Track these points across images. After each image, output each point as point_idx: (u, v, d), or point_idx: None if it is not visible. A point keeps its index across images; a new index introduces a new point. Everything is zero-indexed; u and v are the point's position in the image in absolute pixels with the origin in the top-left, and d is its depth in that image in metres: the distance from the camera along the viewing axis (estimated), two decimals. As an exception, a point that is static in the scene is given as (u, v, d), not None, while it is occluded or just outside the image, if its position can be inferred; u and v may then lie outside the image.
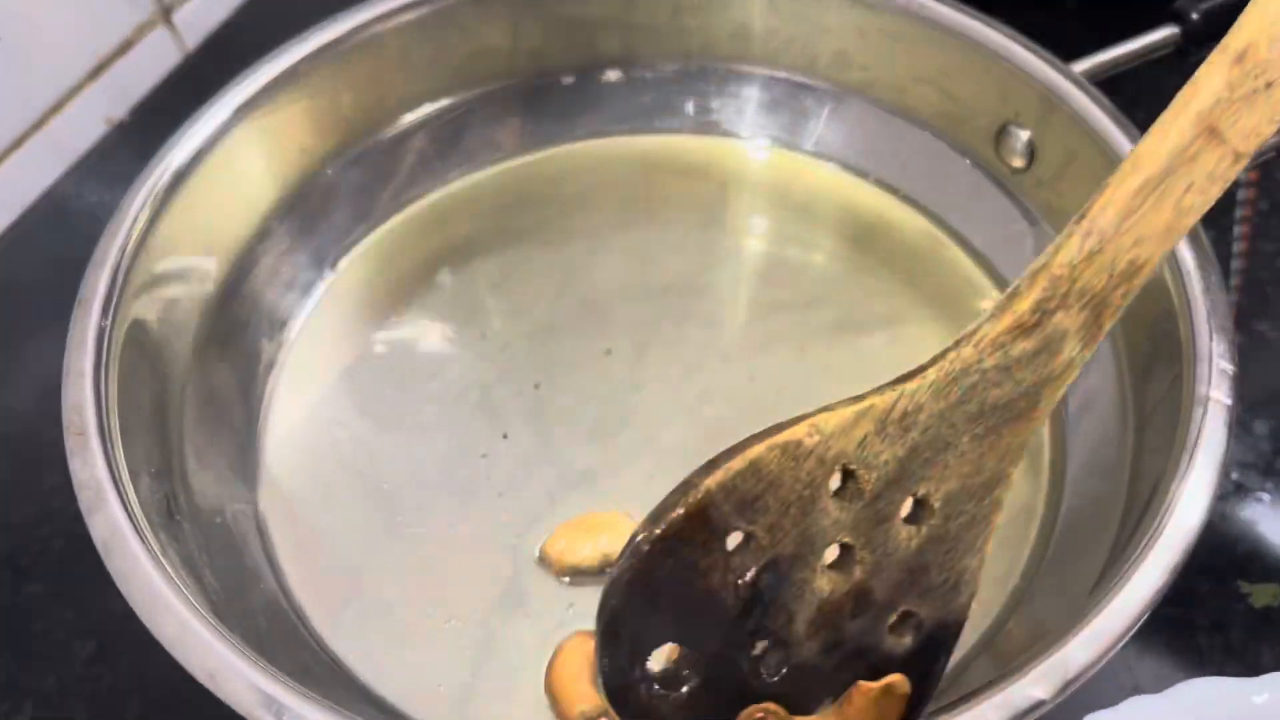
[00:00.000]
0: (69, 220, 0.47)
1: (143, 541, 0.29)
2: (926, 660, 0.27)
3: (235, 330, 0.39)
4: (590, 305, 0.41)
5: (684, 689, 0.26)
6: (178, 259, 0.37)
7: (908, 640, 0.27)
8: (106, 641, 0.36)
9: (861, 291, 0.42)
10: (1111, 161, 0.36)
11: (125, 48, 0.50)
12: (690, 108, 0.46)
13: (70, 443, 0.30)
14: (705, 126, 0.46)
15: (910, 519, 0.26)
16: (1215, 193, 0.25)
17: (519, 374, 0.40)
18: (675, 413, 0.38)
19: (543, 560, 0.35)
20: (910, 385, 0.26)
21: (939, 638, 0.27)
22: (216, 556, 0.33)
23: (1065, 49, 0.39)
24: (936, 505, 0.26)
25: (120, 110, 0.51)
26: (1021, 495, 0.36)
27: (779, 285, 0.42)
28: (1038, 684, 0.26)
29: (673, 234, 0.44)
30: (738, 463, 0.25)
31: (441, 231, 0.44)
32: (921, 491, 0.26)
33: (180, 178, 0.36)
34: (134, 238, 0.35)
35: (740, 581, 0.25)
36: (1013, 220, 0.41)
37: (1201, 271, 0.33)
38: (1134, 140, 0.36)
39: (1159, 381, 0.34)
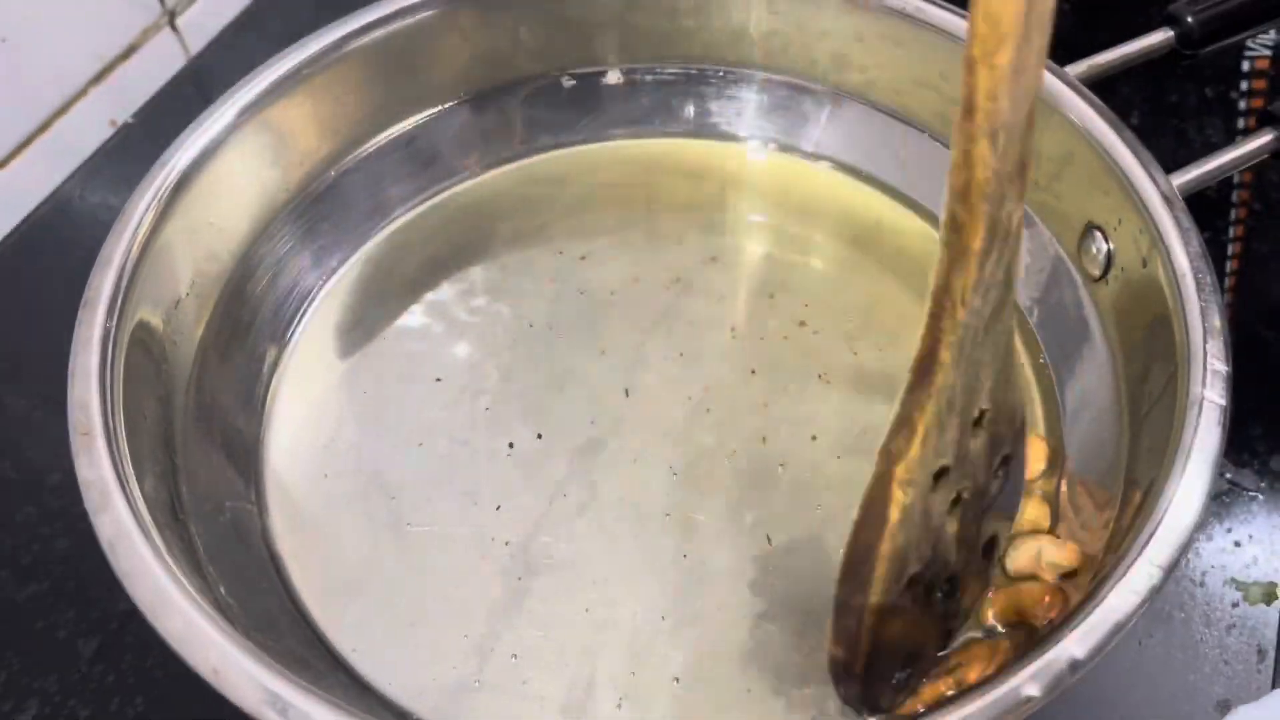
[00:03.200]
0: (74, 222, 0.48)
1: (148, 541, 0.29)
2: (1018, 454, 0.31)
3: (239, 331, 0.39)
4: (590, 307, 0.42)
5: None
6: (182, 261, 0.37)
7: (1005, 471, 0.30)
8: (109, 640, 0.36)
9: (860, 293, 0.42)
10: (1106, 163, 0.36)
11: (130, 51, 0.50)
12: (690, 110, 0.46)
13: (76, 442, 0.30)
14: (705, 129, 0.46)
15: (976, 430, 0.28)
16: None
17: (519, 375, 0.40)
18: (675, 413, 0.38)
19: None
20: (938, 381, 0.26)
21: (1018, 440, 0.30)
22: (220, 556, 0.33)
23: (1061, 52, 0.39)
24: (988, 404, 0.28)
25: (125, 113, 0.51)
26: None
27: (778, 287, 0.42)
28: (1032, 681, 0.26)
29: (672, 235, 0.44)
30: (880, 568, 0.26)
31: (443, 234, 0.44)
32: (977, 413, 0.28)
33: (185, 180, 0.37)
34: (139, 240, 0.35)
35: (916, 595, 0.28)
36: (1010, 222, 0.42)
37: (1196, 273, 0.33)
38: (1128, 142, 0.36)
39: (1154, 382, 0.34)
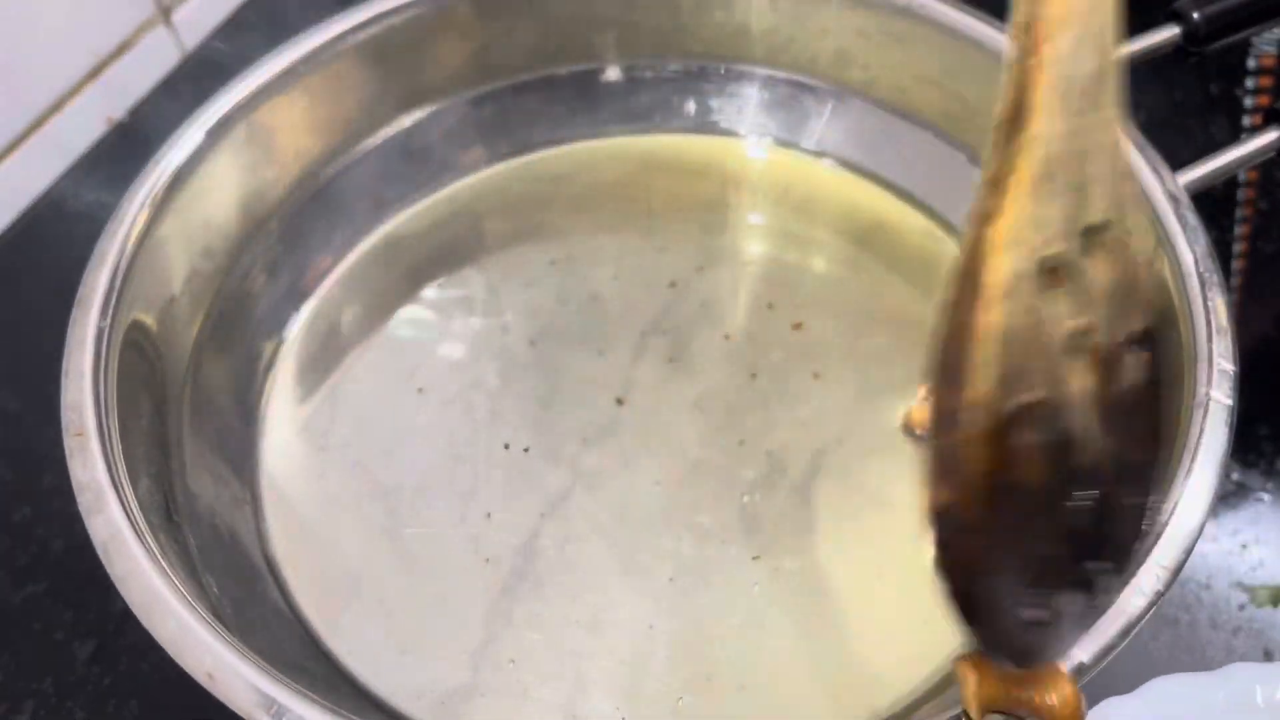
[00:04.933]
0: (68, 220, 0.47)
1: (142, 543, 0.28)
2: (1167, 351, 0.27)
3: (234, 330, 0.39)
4: (590, 305, 0.41)
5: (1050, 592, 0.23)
6: (176, 260, 0.37)
7: (1147, 357, 0.24)
8: (105, 642, 0.36)
9: (862, 291, 0.42)
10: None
11: (124, 48, 0.50)
12: (691, 107, 0.46)
13: (69, 444, 0.30)
14: (705, 126, 0.46)
15: (1092, 249, 0.23)
16: None
17: (518, 374, 0.40)
18: (675, 414, 0.38)
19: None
20: (1032, 128, 0.22)
21: (1164, 329, 0.27)
22: (215, 557, 0.33)
23: (1066, 49, 0.39)
24: (1108, 215, 0.23)
25: (119, 110, 0.50)
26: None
27: (779, 284, 0.42)
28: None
29: (673, 234, 0.43)
30: (984, 350, 0.21)
31: (441, 232, 0.44)
32: (1092, 217, 0.23)
33: (179, 178, 0.36)
34: (133, 238, 0.34)
35: (1033, 454, 0.22)
36: (1013, 220, 0.41)
37: (1202, 271, 0.33)
38: (1134, 141, 0.36)
39: (1160, 382, 0.34)
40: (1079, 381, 0.23)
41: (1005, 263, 0.22)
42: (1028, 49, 0.22)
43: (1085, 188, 0.23)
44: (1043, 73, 0.22)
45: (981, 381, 0.22)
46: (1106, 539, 0.24)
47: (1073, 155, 0.23)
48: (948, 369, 0.22)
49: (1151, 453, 0.25)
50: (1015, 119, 0.23)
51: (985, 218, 0.22)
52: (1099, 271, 0.24)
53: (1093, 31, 0.23)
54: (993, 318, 0.22)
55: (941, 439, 0.22)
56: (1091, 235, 0.23)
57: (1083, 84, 0.23)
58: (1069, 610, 0.24)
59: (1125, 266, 0.24)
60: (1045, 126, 0.23)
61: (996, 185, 0.22)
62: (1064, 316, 0.23)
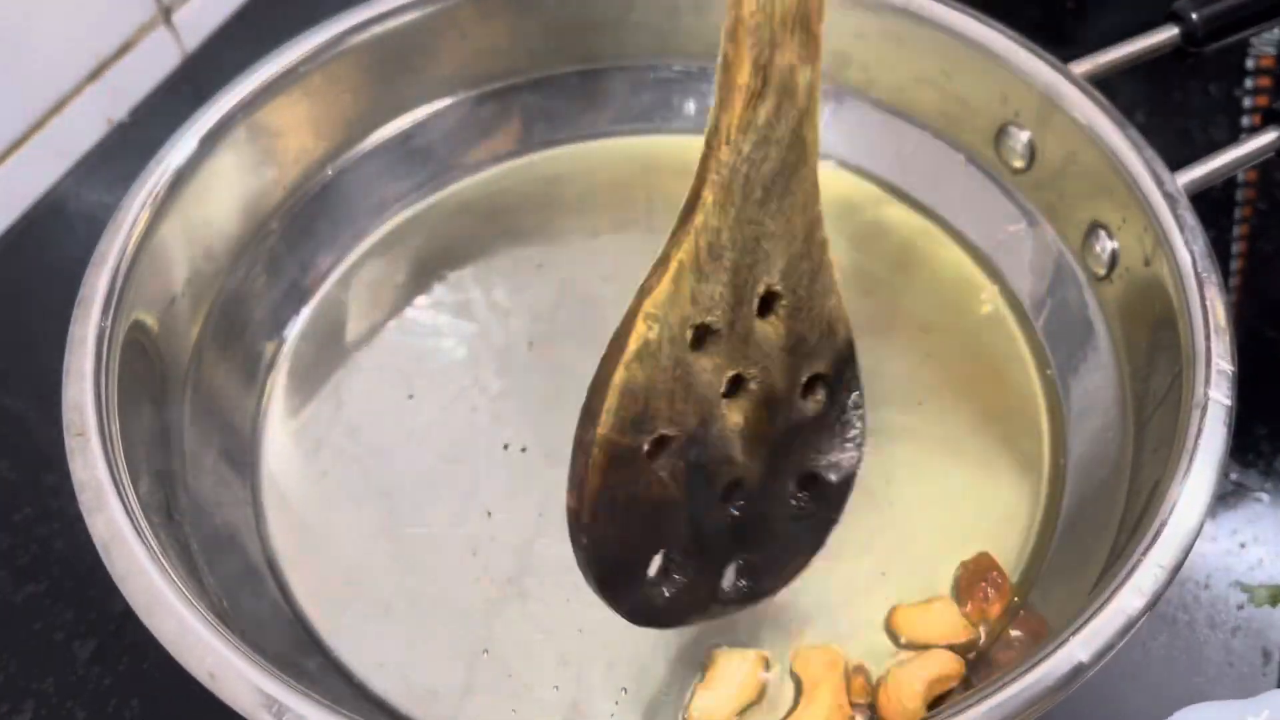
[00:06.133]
0: (69, 221, 0.47)
1: (143, 542, 0.29)
2: (844, 388, 0.31)
3: (235, 331, 0.39)
4: (590, 306, 0.41)
5: (680, 575, 0.28)
6: (177, 260, 0.37)
7: (822, 395, 0.30)
8: (106, 642, 0.36)
9: (860, 290, 0.42)
10: (1110, 161, 0.36)
11: (125, 48, 0.50)
12: (690, 107, 0.46)
13: (70, 443, 0.30)
14: (705, 126, 0.46)
15: (765, 312, 0.28)
16: None
17: (518, 374, 0.40)
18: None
19: None
20: (698, 220, 0.26)
21: (843, 370, 0.30)
22: (216, 557, 0.33)
23: (1065, 50, 0.39)
24: (779, 287, 0.27)
25: (120, 111, 0.50)
26: (1022, 496, 0.36)
27: (779, 285, 0.42)
28: (1037, 684, 0.26)
29: (672, 234, 0.43)
30: (611, 399, 0.25)
31: (441, 233, 0.44)
32: (762, 288, 0.27)
33: (180, 178, 0.36)
34: (134, 238, 0.35)
35: (675, 472, 0.27)
36: (1012, 220, 0.41)
37: (1200, 271, 0.33)
38: (1132, 140, 0.36)
39: (1158, 381, 0.34)
40: (735, 415, 0.28)
41: (644, 332, 0.26)
42: (710, 149, 0.25)
43: (754, 267, 0.27)
44: (713, 171, 0.25)
45: (608, 425, 0.26)
46: (752, 540, 0.30)
47: (743, 240, 0.26)
48: (588, 409, 0.26)
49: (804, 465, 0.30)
50: (688, 209, 0.26)
51: (643, 292, 0.26)
52: (768, 331, 0.28)
53: (778, 134, 0.26)
54: (629, 377, 0.26)
55: (574, 462, 0.26)
56: (766, 303, 0.27)
57: (763, 180, 0.26)
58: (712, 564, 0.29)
59: (804, 325, 0.28)
60: (711, 219, 0.26)
61: (660, 265, 0.26)
62: (720, 368, 0.27)
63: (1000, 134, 0.41)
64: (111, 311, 0.33)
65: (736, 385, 0.28)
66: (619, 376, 0.25)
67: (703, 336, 0.27)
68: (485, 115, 0.45)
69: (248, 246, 0.40)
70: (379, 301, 0.42)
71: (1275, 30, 0.51)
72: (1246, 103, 0.50)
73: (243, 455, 0.37)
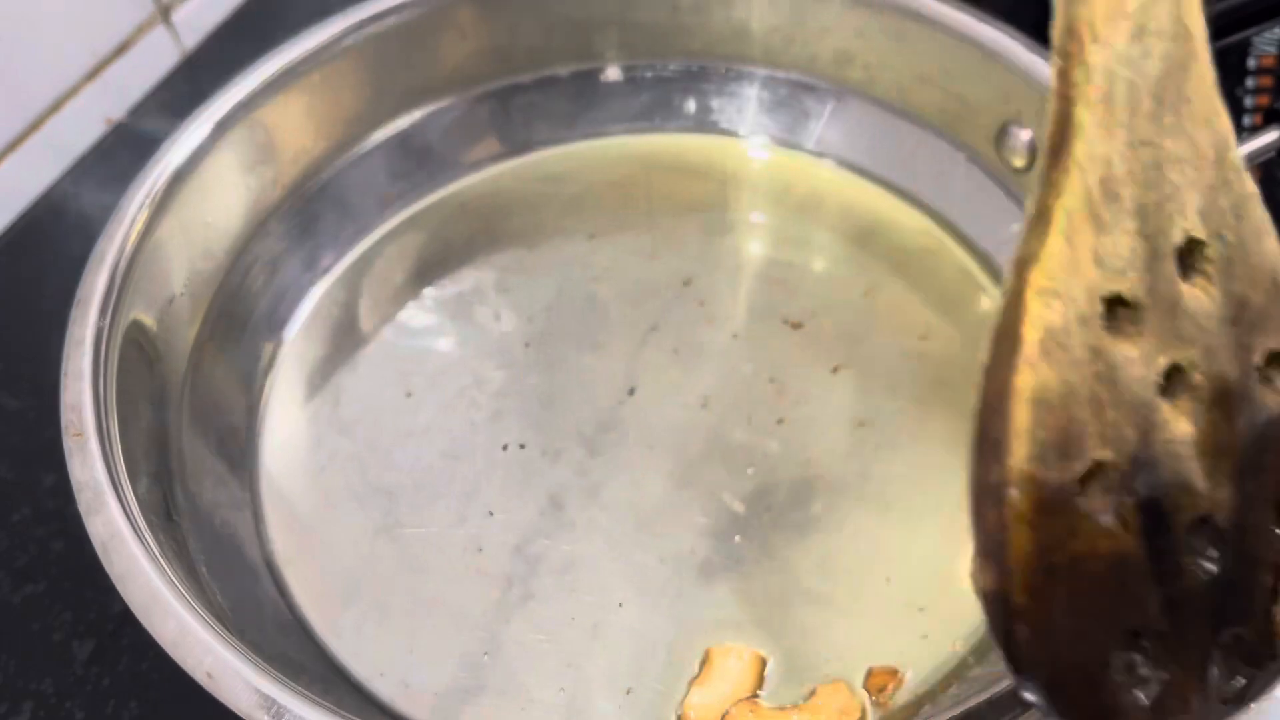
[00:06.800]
0: (67, 220, 0.47)
1: (141, 543, 0.29)
2: None
3: (233, 330, 0.39)
4: (589, 306, 0.41)
5: (1158, 668, 0.20)
6: (176, 259, 0.37)
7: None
8: (105, 642, 0.36)
9: (861, 290, 0.42)
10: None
11: (124, 48, 0.50)
12: (691, 107, 0.46)
13: (69, 443, 0.30)
14: (705, 125, 0.46)
15: (1188, 272, 0.21)
16: None
17: (517, 374, 0.40)
18: (675, 414, 0.38)
19: None
20: (1077, 150, 0.20)
21: None
22: (215, 557, 0.33)
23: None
24: (1201, 233, 0.21)
25: (119, 110, 0.50)
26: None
27: (779, 284, 0.42)
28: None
29: (673, 234, 0.43)
30: (1020, 415, 0.19)
31: (441, 232, 0.44)
32: (1179, 236, 0.20)
33: (179, 178, 0.36)
34: (132, 238, 0.35)
35: (1124, 513, 0.20)
36: (1014, 219, 0.41)
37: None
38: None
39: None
40: (1183, 423, 0.21)
41: (1042, 314, 0.19)
42: (1071, 55, 0.20)
43: (1163, 205, 0.20)
44: (1089, 82, 0.20)
45: (1019, 452, 0.19)
46: (1237, 607, 0.21)
47: (1141, 171, 0.20)
48: (986, 439, 0.19)
49: None
50: (1059, 140, 0.20)
51: (1023, 263, 0.20)
52: (1198, 295, 0.21)
53: (1156, 21, 0.20)
54: (1037, 380, 0.19)
55: (982, 519, 0.19)
56: (1185, 258, 0.21)
57: (1149, 86, 0.20)
58: (1204, 695, 0.21)
59: (1241, 283, 0.21)
60: (1096, 145, 0.20)
61: (1037, 222, 0.20)
62: (1150, 354, 0.20)
63: (1001, 133, 0.41)
64: (110, 311, 0.33)
65: (1173, 379, 0.21)
66: (1022, 381, 0.19)
67: (1116, 313, 0.20)
68: (485, 115, 0.45)
69: (247, 246, 0.40)
70: (378, 301, 0.42)
71: (1276, 30, 0.51)
72: (1247, 102, 0.50)
73: (242, 455, 0.37)
